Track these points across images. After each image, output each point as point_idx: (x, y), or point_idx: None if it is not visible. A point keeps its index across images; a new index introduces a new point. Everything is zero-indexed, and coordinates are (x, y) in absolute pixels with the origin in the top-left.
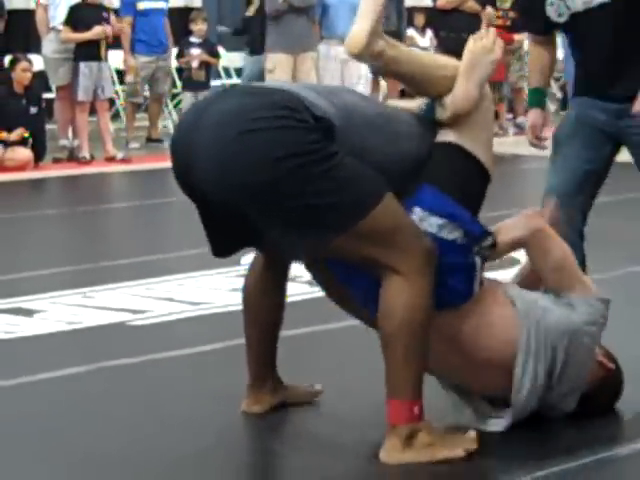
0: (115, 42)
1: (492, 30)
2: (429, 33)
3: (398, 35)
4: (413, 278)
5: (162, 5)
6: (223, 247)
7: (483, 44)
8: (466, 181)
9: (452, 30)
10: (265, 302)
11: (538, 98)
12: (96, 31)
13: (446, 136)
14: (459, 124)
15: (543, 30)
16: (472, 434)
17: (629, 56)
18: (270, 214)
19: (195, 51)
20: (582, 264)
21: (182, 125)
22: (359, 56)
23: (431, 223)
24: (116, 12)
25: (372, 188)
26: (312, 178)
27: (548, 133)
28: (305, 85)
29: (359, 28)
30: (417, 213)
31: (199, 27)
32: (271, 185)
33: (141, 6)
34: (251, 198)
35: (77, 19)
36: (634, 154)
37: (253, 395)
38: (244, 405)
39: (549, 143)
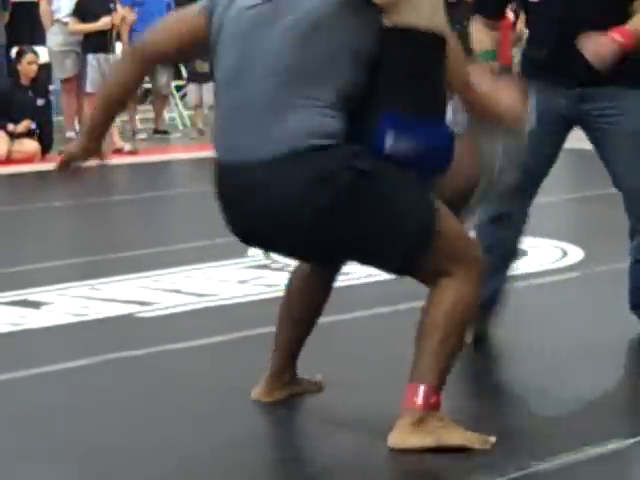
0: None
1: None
2: None
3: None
4: (464, 283)
5: None
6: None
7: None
8: (421, 66)
9: (458, 22)
10: (308, 301)
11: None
12: (104, 21)
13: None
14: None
15: (494, 13)
16: (492, 439)
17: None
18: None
19: None
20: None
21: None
22: None
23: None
24: None
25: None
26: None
27: None
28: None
29: None
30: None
31: None
32: None
33: None
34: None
35: (85, 10)
36: (592, 137)
37: (267, 386)
38: (254, 393)
39: None
